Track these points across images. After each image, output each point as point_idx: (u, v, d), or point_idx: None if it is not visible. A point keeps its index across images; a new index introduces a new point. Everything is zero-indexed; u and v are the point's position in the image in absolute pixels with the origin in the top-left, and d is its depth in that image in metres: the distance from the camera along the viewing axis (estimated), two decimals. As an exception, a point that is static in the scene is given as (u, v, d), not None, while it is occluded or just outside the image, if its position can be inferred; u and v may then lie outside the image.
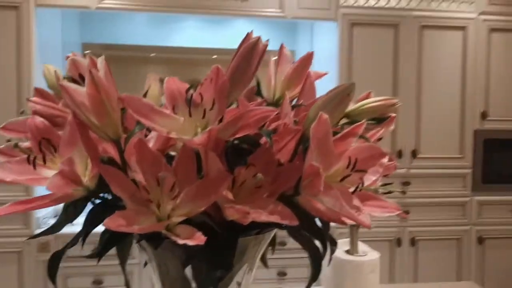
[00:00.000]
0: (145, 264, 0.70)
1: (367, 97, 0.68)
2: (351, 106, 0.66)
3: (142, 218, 0.50)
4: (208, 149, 0.49)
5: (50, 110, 0.58)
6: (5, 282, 2.15)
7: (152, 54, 2.83)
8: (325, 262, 1.02)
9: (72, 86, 0.44)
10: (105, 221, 0.45)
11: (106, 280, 2.23)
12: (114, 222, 0.46)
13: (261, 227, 0.57)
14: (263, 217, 0.49)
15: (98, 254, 0.55)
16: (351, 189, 0.51)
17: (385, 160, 0.54)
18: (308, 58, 0.71)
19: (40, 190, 2.20)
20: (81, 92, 0.45)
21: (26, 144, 0.57)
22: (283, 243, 2.22)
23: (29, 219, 2.18)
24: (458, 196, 2.52)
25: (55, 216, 2.34)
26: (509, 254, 2.60)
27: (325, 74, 0.77)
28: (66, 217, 0.58)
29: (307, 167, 0.47)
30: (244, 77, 0.52)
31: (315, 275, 0.55)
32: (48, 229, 0.58)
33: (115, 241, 0.56)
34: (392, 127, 0.68)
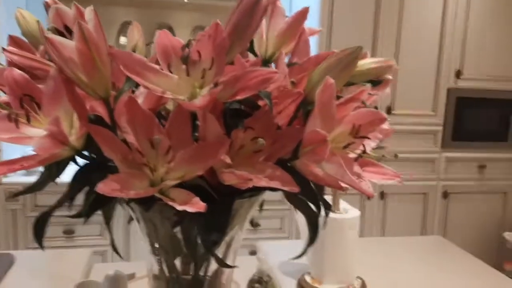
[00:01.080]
0: (129, 220, 0.69)
1: (363, 58, 0.66)
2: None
3: (135, 181, 0.48)
4: (206, 111, 0.46)
5: (28, 62, 0.53)
6: (-27, 231, 2.10)
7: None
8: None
9: (58, 39, 0.40)
10: (99, 186, 0.42)
11: (78, 230, 2.21)
12: (108, 186, 0.43)
13: (256, 190, 0.56)
14: (263, 182, 0.48)
15: (85, 214, 0.53)
16: (351, 155, 0.50)
17: (385, 125, 0.53)
18: (303, 13, 0.67)
19: (7, 147, 2.10)
20: (68, 46, 0.40)
21: (3, 98, 0.53)
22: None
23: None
24: (428, 153, 2.58)
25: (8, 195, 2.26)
26: (471, 209, 2.72)
27: (319, 30, 0.74)
28: (49, 175, 0.55)
29: (310, 133, 0.45)
30: (245, 34, 0.48)
31: (312, 238, 0.54)
32: (29, 187, 0.55)
33: (103, 202, 0.54)
34: (388, 90, 0.66)
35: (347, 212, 1.01)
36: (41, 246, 0.50)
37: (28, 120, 0.44)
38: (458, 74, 2.54)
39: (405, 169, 2.54)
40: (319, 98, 0.45)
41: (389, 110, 2.47)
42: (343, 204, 1.04)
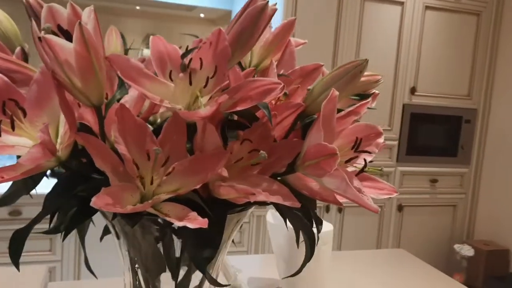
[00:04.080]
0: (102, 237, 0.65)
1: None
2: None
3: (126, 195, 0.45)
4: (207, 122, 0.44)
5: (6, 64, 0.49)
6: None
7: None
8: (284, 233, 1.02)
9: (57, 40, 0.36)
10: (93, 200, 0.39)
11: (26, 246, 2.07)
12: (102, 201, 0.40)
13: (248, 205, 0.54)
14: (262, 197, 0.46)
15: (65, 229, 0.49)
16: (351, 169, 0.49)
17: (381, 139, 0.53)
18: (290, 25, 0.67)
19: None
20: (67, 48, 0.37)
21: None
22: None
23: None
24: (384, 167, 2.64)
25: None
26: (423, 221, 2.81)
27: (304, 43, 0.74)
28: (24, 187, 0.50)
29: (316, 146, 0.44)
30: (247, 43, 0.47)
31: (309, 255, 0.53)
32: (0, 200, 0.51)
33: (85, 216, 0.50)
34: (373, 104, 0.66)
35: (320, 225, 1.01)
36: (17, 267, 0.46)
37: (13, 127, 0.40)
38: (412, 90, 2.63)
39: (363, 182, 2.59)
40: (324, 111, 0.44)
41: (347, 124, 2.52)
42: (315, 217, 1.04)
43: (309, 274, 0.99)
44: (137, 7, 2.76)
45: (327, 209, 2.57)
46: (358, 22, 2.48)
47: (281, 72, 0.64)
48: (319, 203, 2.41)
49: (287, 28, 0.67)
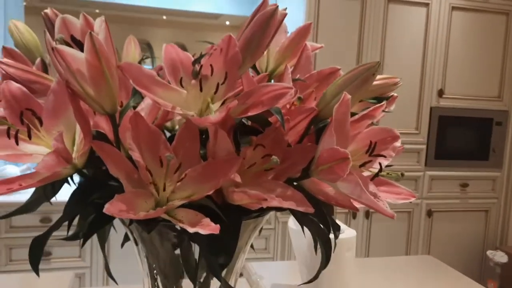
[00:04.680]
0: (123, 243, 0.66)
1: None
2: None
3: (140, 201, 0.45)
4: (218, 128, 0.44)
5: (24, 74, 0.50)
6: None
7: (96, 10, 2.65)
8: (305, 239, 1.01)
9: (69, 50, 0.37)
10: (106, 207, 0.39)
11: (55, 252, 2.13)
12: (115, 207, 0.40)
13: (263, 210, 0.54)
14: (275, 202, 0.45)
15: (84, 235, 0.50)
16: (367, 174, 0.49)
17: (398, 143, 0.52)
18: (306, 29, 0.66)
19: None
20: (78, 58, 0.38)
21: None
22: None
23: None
24: (411, 171, 2.60)
25: None
26: (454, 227, 2.73)
27: (321, 47, 0.73)
28: (44, 195, 0.52)
29: (328, 151, 0.43)
30: (257, 49, 0.46)
31: (326, 262, 0.52)
32: (22, 207, 0.52)
33: (103, 222, 0.51)
34: (392, 108, 0.65)
35: (343, 232, 0.99)
36: (37, 273, 0.47)
37: (29, 136, 0.41)
38: (440, 93, 2.58)
39: (390, 187, 2.54)
40: (337, 115, 0.43)
41: (373, 129, 2.49)
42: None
43: (333, 280, 0.98)
44: (164, 17, 2.81)
45: (354, 216, 2.53)
46: (382, 25, 2.45)
47: (297, 76, 0.63)
48: (344, 210, 2.38)
49: (303, 33, 0.66)
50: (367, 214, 2.54)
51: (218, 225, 0.42)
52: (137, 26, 2.75)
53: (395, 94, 0.65)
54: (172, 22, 2.87)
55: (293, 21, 2.44)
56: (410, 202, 2.57)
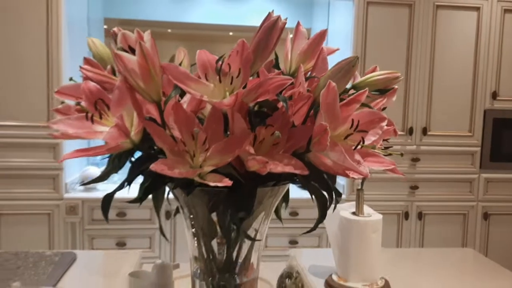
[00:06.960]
0: (175, 213, 0.82)
1: (373, 71, 0.77)
2: (358, 79, 0.76)
3: (179, 166, 0.61)
4: (234, 111, 0.59)
5: (99, 77, 0.68)
6: (36, 241, 2.31)
7: (169, 30, 2.92)
8: (337, 222, 1.12)
9: (125, 55, 0.54)
10: (152, 165, 0.55)
11: (129, 243, 2.38)
12: (158, 166, 0.56)
13: (277, 180, 0.68)
14: (279, 168, 0.59)
15: (140, 199, 0.66)
16: (353, 146, 0.61)
17: (384, 123, 0.64)
18: (322, 35, 0.79)
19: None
20: (132, 60, 0.55)
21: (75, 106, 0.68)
22: (295, 213, 2.34)
23: (58, 184, 2.33)
24: (466, 173, 2.60)
25: (80, 183, 2.48)
26: (513, 230, 2.68)
27: (337, 49, 0.86)
28: (112, 167, 0.69)
29: (317, 127, 0.56)
30: (265, 50, 0.61)
31: (321, 218, 0.65)
32: (96, 178, 0.69)
33: (154, 187, 0.67)
34: (394, 98, 0.77)
35: (370, 216, 1.10)
36: (106, 219, 0.64)
37: (101, 117, 0.58)
38: (494, 95, 2.56)
39: (442, 189, 2.56)
40: (323, 98, 0.56)
41: (424, 131, 2.53)
42: (367, 209, 1.13)
43: (360, 260, 1.09)
44: (230, 33, 3.01)
45: (406, 216, 2.57)
46: (431, 30, 2.49)
47: (314, 74, 0.77)
48: (396, 211, 2.42)
49: (319, 38, 0.80)
50: (419, 216, 2.57)
51: (231, 181, 0.56)
52: (206, 43, 2.98)
53: (396, 86, 0.76)
54: (238, 38, 3.07)
55: (343, 31, 2.55)
56: (471, 206, 2.56)
